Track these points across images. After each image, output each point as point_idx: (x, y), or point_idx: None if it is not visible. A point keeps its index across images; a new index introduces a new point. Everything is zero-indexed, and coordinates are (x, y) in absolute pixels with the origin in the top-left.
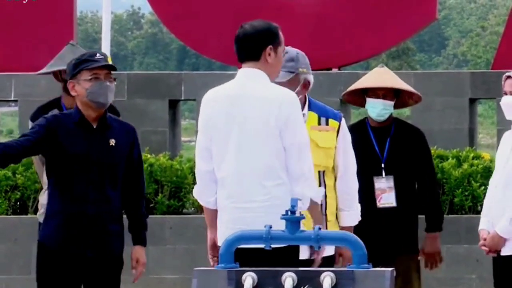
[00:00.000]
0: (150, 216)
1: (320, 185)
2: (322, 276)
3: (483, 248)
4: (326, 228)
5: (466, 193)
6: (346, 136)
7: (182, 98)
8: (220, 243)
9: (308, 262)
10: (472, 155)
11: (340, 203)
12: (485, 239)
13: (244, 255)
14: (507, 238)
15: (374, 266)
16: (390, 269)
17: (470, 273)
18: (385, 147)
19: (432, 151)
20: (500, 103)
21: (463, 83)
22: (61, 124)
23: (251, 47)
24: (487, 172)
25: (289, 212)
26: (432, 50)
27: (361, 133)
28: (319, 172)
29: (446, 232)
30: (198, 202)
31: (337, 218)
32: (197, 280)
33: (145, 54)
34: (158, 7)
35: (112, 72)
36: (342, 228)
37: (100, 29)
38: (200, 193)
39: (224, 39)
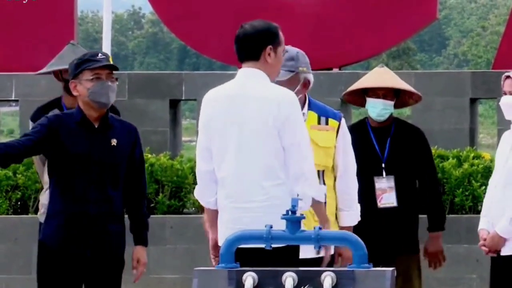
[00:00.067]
0: (150, 216)
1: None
2: (322, 276)
3: (483, 248)
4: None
5: (467, 193)
6: (345, 136)
7: (183, 98)
8: (220, 243)
9: (309, 261)
10: (472, 155)
11: (339, 203)
12: (485, 239)
13: (244, 255)
14: (507, 238)
15: (374, 266)
16: (390, 269)
17: (470, 273)
18: (385, 147)
19: (433, 151)
20: (500, 103)
21: (463, 83)
22: (63, 124)
23: (251, 47)
24: (488, 172)
25: (289, 212)
26: (433, 50)
27: (361, 133)
28: (318, 171)
29: (446, 232)
30: (199, 202)
31: (336, 218)
32: (198, 280)
33: (145, 54)
34: (159, 7)
35: (113, 72)
36: (341, 228)
37: (100, 29)
38: (200, 194)
39: (224, 39)
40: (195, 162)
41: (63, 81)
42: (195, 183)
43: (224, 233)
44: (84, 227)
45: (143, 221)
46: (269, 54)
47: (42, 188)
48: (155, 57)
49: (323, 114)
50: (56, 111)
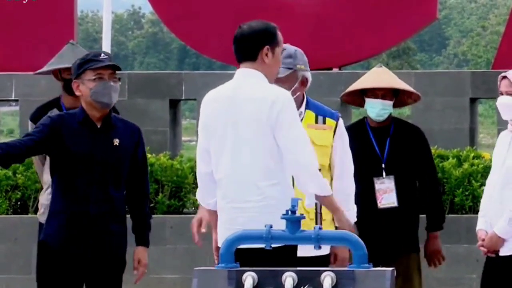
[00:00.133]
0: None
1: None
2: (322, 275)
3: (482, 248)
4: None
5: (467, 193)
6: (343, 136)
7: (183, 98)
8: (220, 243)
9: (309, 260)
10: (472, 154)
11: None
12: (483, 240)
13: (242, 255)
14: (505, 239)
15: (375, 266)
16: (390, 269)
17: (470, 273)
18: (385, 147)
19: (433, 151)
20: (496, 103)
21: (463, 83)
22: (65, 124)
23: (248, 47)
24: (488, 172)
25: (289, 212)
26: (433, 50)
27: (360, 133)
28: None
29: (446, 232)
30: (198, 202)
31: (333, 218)
32: (198, 280)
33: (145, 54)
34: (158, 7)
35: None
36: (338, 228)
37: (100, 29)
38: (201, 196)
39: (224, 39)
40: (195, 162)
41: (62, 81)
42: (195, 183)
43: (222, 234)
44: (84, 227)
45: (145, 222)
46: (266, 55)
47: (42, 188)
48: (155, 57)
49: (321, 114)
50: (55, 111)
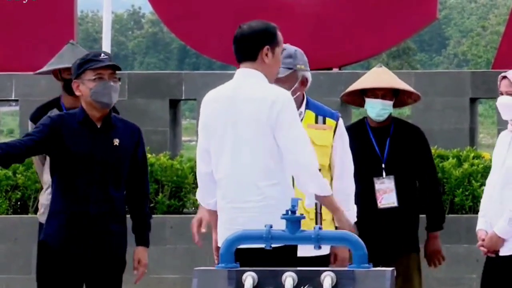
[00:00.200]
0: (152, 216)
1: None
2: (322, 276)
3: (482, 248)
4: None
5: (467, 193)
6: (343, 136)
7: (183, 98)
8: (220, 243)
9: (309, 259)
10: (472, 154)
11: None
12: (483, 240)
13: (242, 255)
14: (505, 239)
15: (375, 266)
16: (390, 269)
17: (470, 273)
18: (385, 147)
19: (433, 151)
20: (496, 103)
21: (463, 83)
22: (65, 124)
23: (248, 47)
24: (488, 172)
25: (289, 212)
26: (433, 50)
27: (360, 133)
28: None
29: (446, 232)
30: (198, 202)
31: (333, 218)
32: (198, 280)
33: (145, 54)
34: (158, 7)
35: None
36: (338, 228)
37: (100, 29)
38: (201, 196)
39: (224, 39)
40: (195, 162)
41: (62, 81)
42: (195, 183)
43: (222, 234)
44: (84, 227)
45: (145, 222)
46: (266, 55)
47: (42, 188)
48: (155, 57)
49: (321, 114)
50: (55, 111)
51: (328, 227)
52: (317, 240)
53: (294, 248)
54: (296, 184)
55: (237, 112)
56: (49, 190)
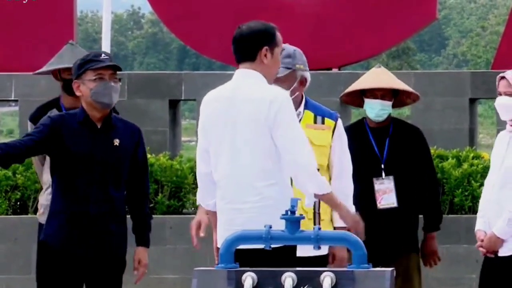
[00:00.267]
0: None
1: None
2: (322, 276)
3: (480, 249)
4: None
5: (466, 193)
6: (342, 136)
7: (182, 98)
8: (219, 244)
9: (307, 259)
10: (472, 155)
11: None
12: (482, 240)
13: (242, 256)
14: (504, 239)
15: (374, 266)
16: (390, 269)
17: (470, 273)
18: (384, 147)
19: (432, 151)
20: (495, 103)
21: (463, 83)
22: (65, 124)
23: (247, 48)
24: (487, 172)
25: (289, 212)
26: (432, 50)
27: (359, 134)
28: None
29: (446, 232)
30: (198, 203)
31: (331, 218)
32: (197, 280)
33: (145, 54)
34: (158, 7)
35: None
36: (336, 228)
37: (100, 29)
38: (201, 197)
39: (224, 39)
40: (194, 162)
41: (61, 81)
42: (194, 183)
43: (221, 235)
44: (84, 227)
45: (145, 222)
46: (265, 55)
47: (41, 189)
48: (154, 57)
49: (320, 114)
50: (55, 111)
51: (326, 227)
52: (317, 240)
53: (294, 248)
54: (294, 184)
55: (236, 112)
56: (49, 190)
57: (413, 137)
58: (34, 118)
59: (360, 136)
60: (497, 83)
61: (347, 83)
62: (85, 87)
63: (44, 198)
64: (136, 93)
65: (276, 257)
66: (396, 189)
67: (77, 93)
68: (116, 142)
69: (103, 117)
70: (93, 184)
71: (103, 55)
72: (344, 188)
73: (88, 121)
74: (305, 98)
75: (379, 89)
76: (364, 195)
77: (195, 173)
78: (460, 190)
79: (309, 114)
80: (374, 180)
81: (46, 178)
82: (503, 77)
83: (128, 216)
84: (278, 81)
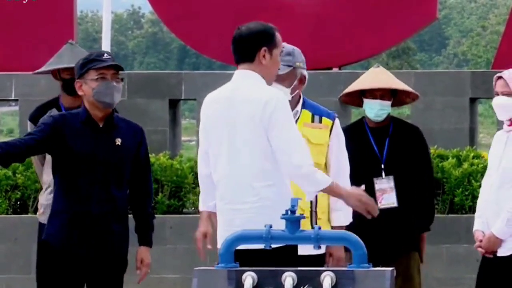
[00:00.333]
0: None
1: None
2: (322, 275)
3: (479, 249)
4: None
5: (466, 193)
6: (339, 136)
7: (183, 98)
8: (219, 244)
9: (305, 258)
10: (472, 154)
11: (332, 203)
12: (480, 241)
13: (242, 257)
14: (503, 239)
15: (374, 266)
16: (390, 269)
17: (470, 273)
18: (384, 147)
19: (433, 151)
20: (492, 103)
21: (463, 83)
22: (67, 123)
23: (246, 49)
24: None
25: (289, 212)
26: (433, 50)
27: (359, 134)
28: None
29: (446, 232)
30: (198, 202)
31: (329, 218)
32: (198, 280)
33: (145, 54)
34: (158, 7)
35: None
36: (333, 227)
37: (100, 29)
38: (202, 198)
39: (224, 39)
40: (194, 162)
41: (61, 81)
42: (194, 183)
43: (221, 235)
44: (86, 226)
45: (148, 222)
46: (263, 56)
47: (41, 188)
48: (154, 57)
49: (317, 113)
50: (54, 111)
51: (323, 226)
52: (317, 240)
53: (295, 248)
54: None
55: (235, 113)
56: (49, 190)
57: (413, 137)
58: (33, 118)
59: (359, 136)
60: (494, 83)
61: (347, 83)
62: (87, 87)
63: (44, 198)
64: (136, 92)
65: (277, 258)
66: (396, 189)
67: (79, 93)
68: (118, 141)
69: (105, 116)
70: (95, 184)
71: (105, 54)
72: None
73: (90, 120)
74: (303, 98)
75: (378, 89)
76: None
77: (195, 172)
78: (460, 189)
79: (307, 113)
80: (375, 180)
81: (46, 178)
82: (500, 77)
83: (131, 216)
84: (279, 79)
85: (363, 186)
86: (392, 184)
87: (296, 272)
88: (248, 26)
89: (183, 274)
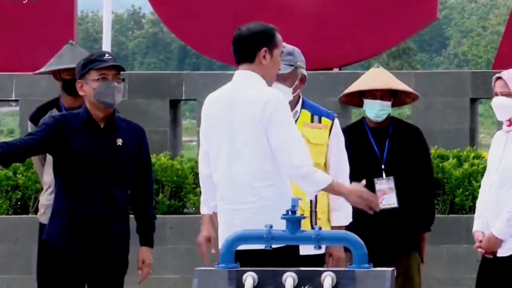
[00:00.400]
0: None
1: None
2: (322, 276)
3: (479, 250)
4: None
5: (467, 193)
6: (339, 136)
7: (183, 98)
8: (220, 244)
9: (305, 258)
10: (472, 155)
11: (331, 203)
12: (480, 241)
13: (242, 257)
14: (503, 239)
15: (375, 266)
16: (390, 269)
17: (470, 273)
18: (384, 148)
19: (433, 151)
20: (492, 104)
21: (464, 83)
22: (68, 124)
23: (246, 49)
24: None
25: (289, 212)
26: (433, 50)
27: (359, 134)
28: None
29: (446, 232)
30: (199, 202)
31: (328, 218)
32: (198, 280)
33: (145, 54)
34: (159, 7)
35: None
36: (333, 227)
37: (100, 29)
38: (203, 199)
39: (224, 39)
40: (195, 162)
41: (61, 81)
42: (195, 183)
43: (221, 235)
44: (87, 227)
45: (149, 222)
46: (264, 56)
47: (42, 189)
48: (155, 57)
49: (317, 113)
50: (54, 111)
51: (323, 226)
52: (318, 240)
53: (296, 249)
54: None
55: (235, 113)
56: (49, 190)
57: (413, 137)
58: (34, 118)
59: (359, 137)
60: (493, 83)
61: (347, 83)
62: (89, 87)
63: (45, 198)
64: (136, 93)
65: (278, 258)
66: (397, 189)
67: (81, 93)
68: (119, 142)
69: (106, 117)
70: (96, 184)
71: (106, 55)
72: None
73: (91, 121)
74: (302, 98)
75: (378, 89)
76: None
77: (195, 173)
78: (461, 190)
79: (306, 113)
80: (375, 180)
81: (46, 178)
82: (499, 78)
83: (132, 216)
84: (281, 78)
85: (363, 182)
86: (392, 184)
87: (296, 272)
88: (249, 26)
89: (183, 274)
